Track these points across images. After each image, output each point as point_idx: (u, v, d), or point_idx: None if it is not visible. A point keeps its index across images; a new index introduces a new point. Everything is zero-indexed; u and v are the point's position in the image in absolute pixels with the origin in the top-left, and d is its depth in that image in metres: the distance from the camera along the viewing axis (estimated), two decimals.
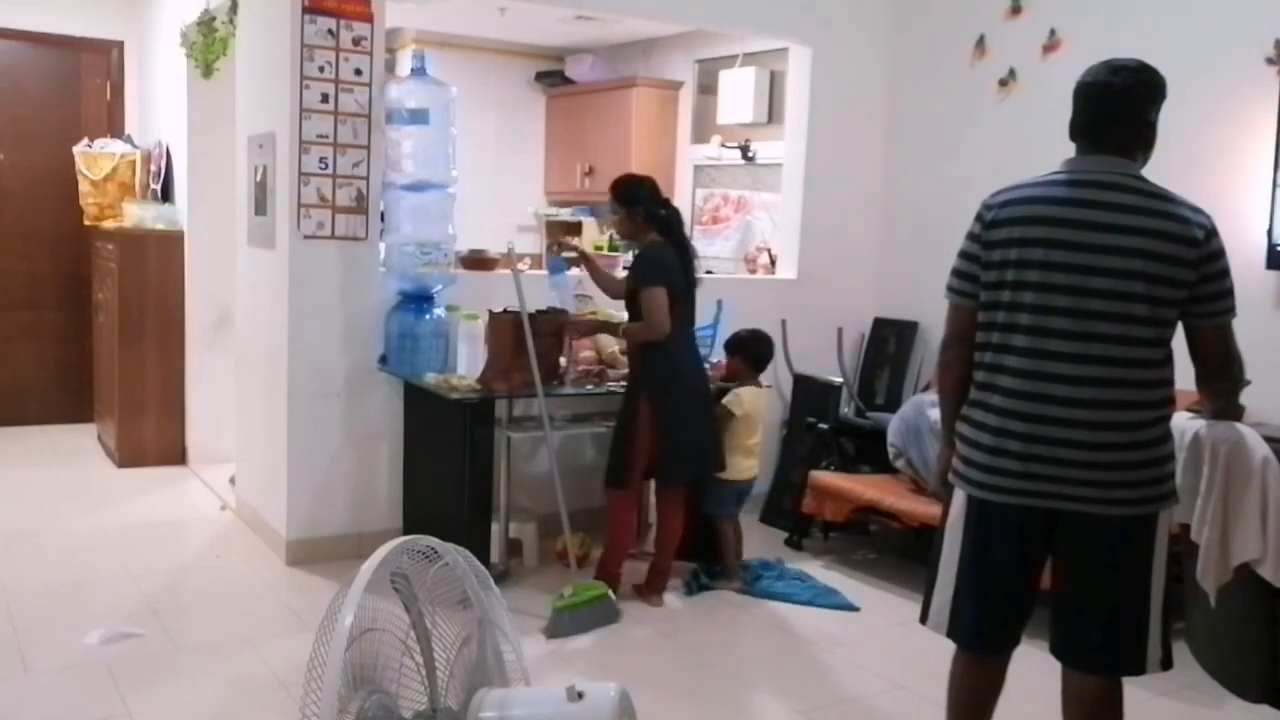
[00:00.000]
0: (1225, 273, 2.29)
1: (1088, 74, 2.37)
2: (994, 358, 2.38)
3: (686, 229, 4.26)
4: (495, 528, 4.18)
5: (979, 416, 2.40)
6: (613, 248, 6.60)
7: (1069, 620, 2.42)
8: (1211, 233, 2.27)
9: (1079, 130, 2.38)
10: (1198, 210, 2.29)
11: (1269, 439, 3.34)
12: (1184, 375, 2.41)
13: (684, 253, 3.99)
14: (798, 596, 4.14)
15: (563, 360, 4.22)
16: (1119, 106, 2.33)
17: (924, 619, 2.56)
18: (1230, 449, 2.48)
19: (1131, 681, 3.20)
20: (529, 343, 3.91)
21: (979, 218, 2.43)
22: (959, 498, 2.45)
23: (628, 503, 4.04)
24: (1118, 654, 2.38)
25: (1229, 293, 2.31)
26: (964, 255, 2.45)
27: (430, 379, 4.09)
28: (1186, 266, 2.24)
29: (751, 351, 4.34)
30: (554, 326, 4.11)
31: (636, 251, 4.02)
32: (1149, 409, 2.30)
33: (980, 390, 2.41)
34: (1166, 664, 2.40)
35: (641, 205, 3.97)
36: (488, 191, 7.31)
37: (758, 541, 4.71)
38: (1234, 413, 2.51)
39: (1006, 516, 2.37)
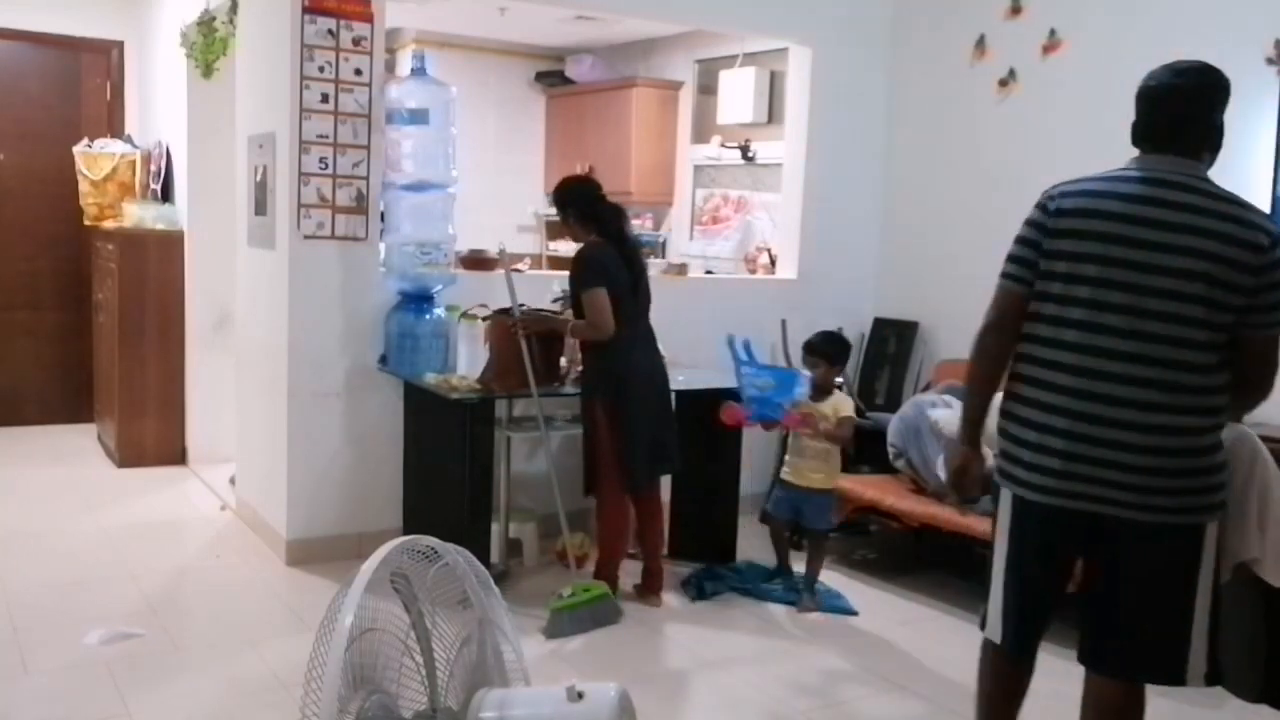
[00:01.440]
0: None
1: (1150, 78, 2.34)
2: (1042, 350, 2.34)
3: (630, 224, 4.17)
4: (495, 528, 4.19)
5: (1024, 413, 2.36)
6: None
7: (1098, 624, 2.38)
8: (1278, 240, 2.21)
9: (1143, 133, 2.34)
10: (1268, 217, 2.25)
11: (1268, 439, 3.34)
12: None
13: (625, 248, 3.97)
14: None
15: (563, 361, 4.22)
16: (1185, 108, 2.30)
17: (983, 625, 2.52)
18: (1229, 447, 2.49)
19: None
20: (522, 343, 3.91)
21: (1041, 206, 2.37)
22: (1005, 499, 2.42)
23: (615, 505, 4.00)
24: (1147, 661, 2.35)
25: None
26: (1024, 241, 2.39)
27: (430, 379, 4.09)
28: (1248, 272, 2.19)
29: (837, 352, 4.23)
30: (516, 326, 3.97)
31: (575, 254, 3.97)
32: (1199, 415, 2.25)
33: (1025, 385, 2.37)
34: (1213, 679, 2.34)
35: (573, 207, 3.98)
36: (488, 191, 7.31)
37: (759, 542, 4.70)
38: (1234, 416, 2.51)
39: (1047, 516, 2.33)
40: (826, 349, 4.19)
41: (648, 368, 3.99)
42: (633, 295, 3.93)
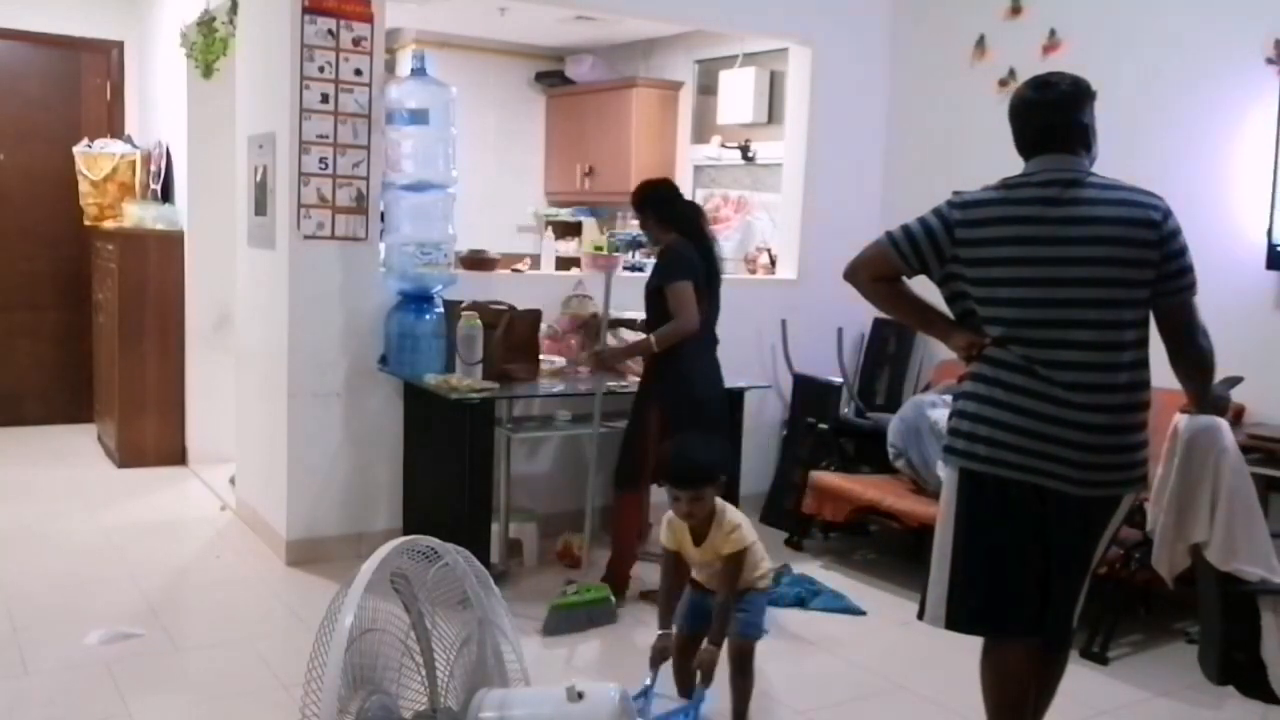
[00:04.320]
0: (1186, 249, 2.38)
1: (1015, 96, 2.49)
2: (989, 352, 2.43)
3: (708, 223, 4.20)
4: (495, 528, 4.19)
5: (984, 395, 2.43)
6: (612, 248, 6.61)
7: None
8: (1167, 213, 2.36)
9: (1023, 144, 2.47)
10: (1152, 194, 2.39)
11: (1268, 439, 3.35)
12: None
13: (705, 248, 3.98)
14: (809, 603, 4.12)
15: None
16: (1050, 116, 2.42)
17: (921, 614, 2.61)
18: (1192, 436, 2.58)
19: (1130, 680, 3.20)
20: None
21: (944, 218, 2.45)
22: (952, 477, 2.49)
23: (635, 507, 4.02)
24: (1054, 627, 2.49)
25: (1191, 268, 2.40)
26: (928, 235, 2.46)
27: (430, 379, 4.08)
28: (1150, 247, 2.34)
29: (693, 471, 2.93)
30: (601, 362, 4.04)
31: (659, 250, 3.99)
32: (1128, 391, 2.37)
33: (977, 382, 2.45)
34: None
35: (651, 208, 3.98)
36: (488, 191, 7.30)
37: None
38: (1216, 404, 2.57)
39: (1000, 491, 2.42)
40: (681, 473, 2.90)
41: (709, 377, 3.95)
42: (707, 297, 3.91)
